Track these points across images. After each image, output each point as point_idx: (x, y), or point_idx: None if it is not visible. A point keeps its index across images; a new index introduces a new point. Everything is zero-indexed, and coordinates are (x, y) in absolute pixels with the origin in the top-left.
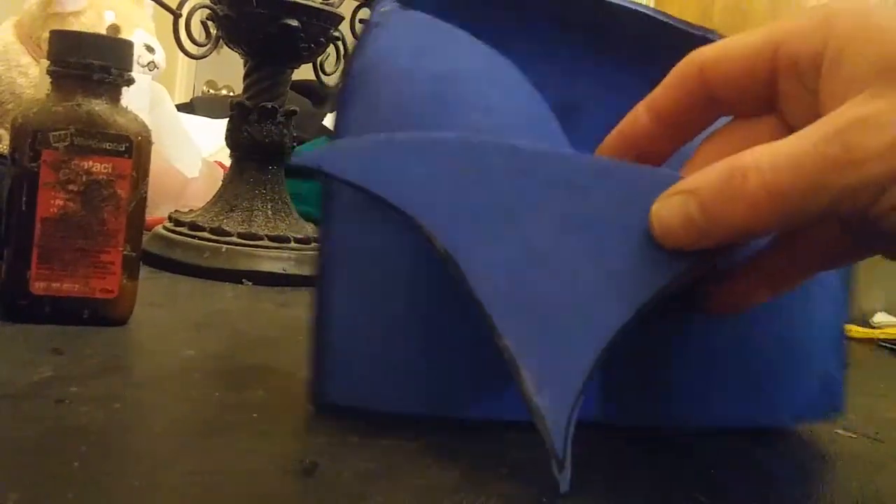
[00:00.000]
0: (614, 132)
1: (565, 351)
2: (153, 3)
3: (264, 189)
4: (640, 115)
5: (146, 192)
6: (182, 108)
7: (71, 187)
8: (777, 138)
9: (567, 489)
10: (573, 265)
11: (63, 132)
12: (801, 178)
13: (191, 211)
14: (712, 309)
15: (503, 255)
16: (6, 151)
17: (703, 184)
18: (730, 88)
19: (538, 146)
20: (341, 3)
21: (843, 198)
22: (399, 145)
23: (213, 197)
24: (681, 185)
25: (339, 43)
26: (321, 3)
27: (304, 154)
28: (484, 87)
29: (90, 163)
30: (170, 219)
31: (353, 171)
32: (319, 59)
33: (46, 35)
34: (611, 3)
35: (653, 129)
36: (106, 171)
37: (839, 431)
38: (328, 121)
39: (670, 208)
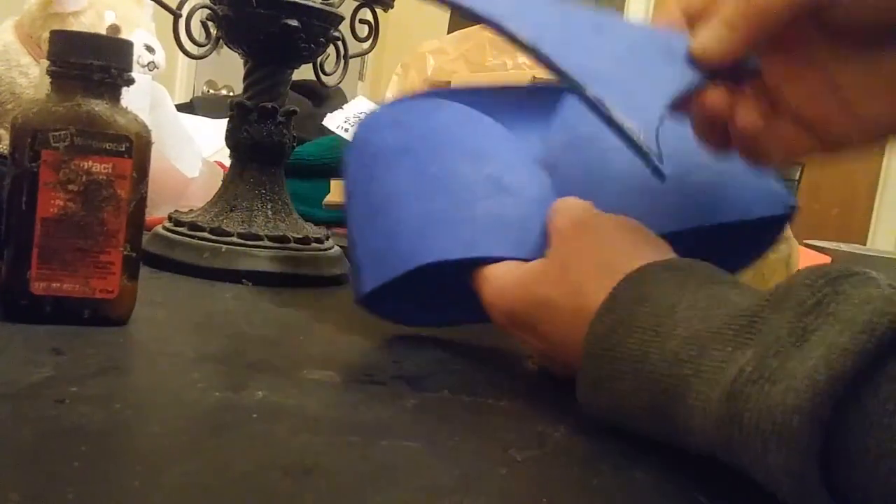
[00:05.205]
0: None
1: (645, 105)
2: (153, 3)
3: (264, 189)
4: None
5: (146, 192)
6: (182, 108)
7: (71, 187)
8: None
9: (664, 177)
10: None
11: (63, 132)
12: None
13: (191, 211)
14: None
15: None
16: (6, 151)
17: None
18: None
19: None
20: (341, 3)
21: None
22: None
23: (214, 197)
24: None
25: (339, 43)
26: (321, 3)
27: None
28: (470, 135)
29: (90, 163)
30: (170, 219)
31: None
32: (319, 59)
33: (46, 35)
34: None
35: None
36: (106, 171)
37: None
38: (328, 121)
39: (708, 30)
